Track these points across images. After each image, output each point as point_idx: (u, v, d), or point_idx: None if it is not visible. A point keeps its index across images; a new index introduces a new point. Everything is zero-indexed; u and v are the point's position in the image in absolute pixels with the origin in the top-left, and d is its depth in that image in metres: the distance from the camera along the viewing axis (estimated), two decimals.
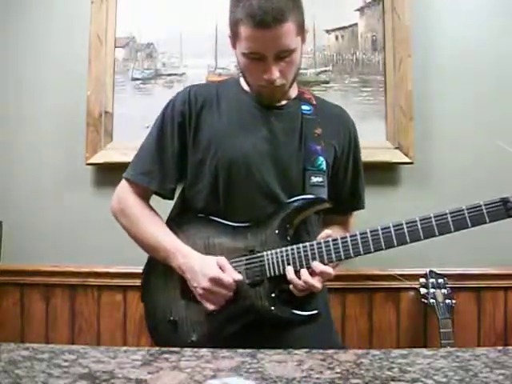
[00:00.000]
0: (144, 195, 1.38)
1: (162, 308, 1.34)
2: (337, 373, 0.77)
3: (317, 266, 1.22)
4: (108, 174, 2.01)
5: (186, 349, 0.89)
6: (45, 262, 1.97)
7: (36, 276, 1.97)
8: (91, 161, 1.98)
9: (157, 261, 1.35)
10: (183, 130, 1.35)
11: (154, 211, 1.39)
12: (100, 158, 1.98)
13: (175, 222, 1.37)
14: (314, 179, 1.31)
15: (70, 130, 2.02)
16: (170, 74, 2.02)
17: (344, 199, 1.44)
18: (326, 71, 1.98)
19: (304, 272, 1.22)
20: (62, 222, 2.02)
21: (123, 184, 1.40)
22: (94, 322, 1.97)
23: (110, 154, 1.97)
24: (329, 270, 1.22)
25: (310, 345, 1.06)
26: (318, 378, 0.74)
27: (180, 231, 1.33)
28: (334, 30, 1.98)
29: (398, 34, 1.95)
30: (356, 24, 1.99)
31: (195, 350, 0.88)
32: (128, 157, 1.96)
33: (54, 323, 1.98)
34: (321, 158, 1.33)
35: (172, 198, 1.40)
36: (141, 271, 1.94)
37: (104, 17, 2.00)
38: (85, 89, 1.98)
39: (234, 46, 1.30)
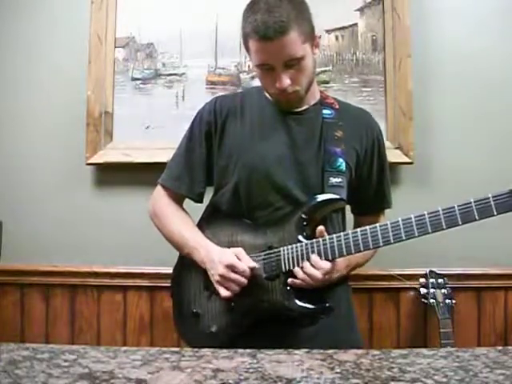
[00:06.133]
0: (176, 199, 1.48)
1: (188, 301, 1.41)
2: (337, 373, 0.77)
3: (312, 257, 1.27)
4: (108, 173, 2.01)
5: (186, 349, 0.89)
6: (45, 262, 1.97)
7: (36, 276, 1.97)
8: (91, 161, 1.98)
9: (185, 258, 1.43)
10: (210, 138, 1.44)
11: (185, 212, 1.48)
12: (100, 157, 1.98)
13: (205, 221, 1.47)
14: (333, 180, 1.35)
15: (70, 130, 2.02)
16: (169, 74, 2.02)
17: (370, 200, 1.48)
18: (326, 71, 1.98)
19: (305, 264, 1.27)
20: (61, 222, 2.02)
21: (158, 188, 1.50)
22: (93, 322, 1.97)
23: (110, 154, 1.98)
24: (320, 262, 1.26)
25: (327, 342, 1.09)
26: (318, 378, 0.74)
27: (208, 229, 1.43)
28: (333, 30, 1.98)
29: (398, 34, 1.95)
30: (356, 24, 1.99)
31: (195, 349, 0.88)
32: (128, 157, 1.99)
33: (54, 323, 1.98)
34: (340, 160, 1.36)
35: (201, 202, 1.49)
36: (140, 271, 1.96)
37: (104, 17, 2.00)
38: (85, 89, 1.98)
39: (250, 58, 1.36)
